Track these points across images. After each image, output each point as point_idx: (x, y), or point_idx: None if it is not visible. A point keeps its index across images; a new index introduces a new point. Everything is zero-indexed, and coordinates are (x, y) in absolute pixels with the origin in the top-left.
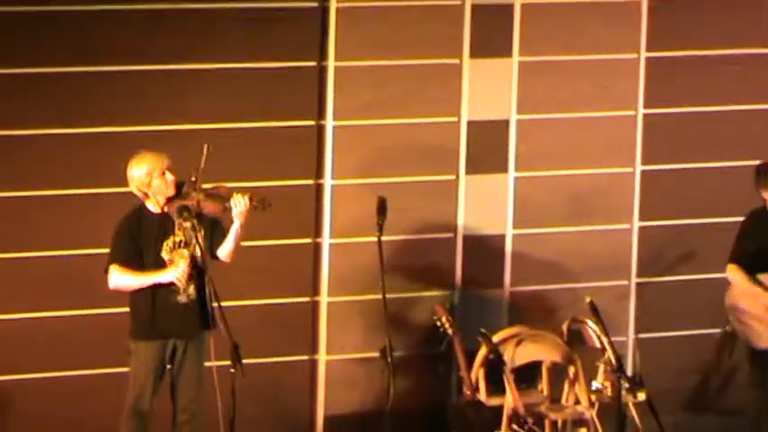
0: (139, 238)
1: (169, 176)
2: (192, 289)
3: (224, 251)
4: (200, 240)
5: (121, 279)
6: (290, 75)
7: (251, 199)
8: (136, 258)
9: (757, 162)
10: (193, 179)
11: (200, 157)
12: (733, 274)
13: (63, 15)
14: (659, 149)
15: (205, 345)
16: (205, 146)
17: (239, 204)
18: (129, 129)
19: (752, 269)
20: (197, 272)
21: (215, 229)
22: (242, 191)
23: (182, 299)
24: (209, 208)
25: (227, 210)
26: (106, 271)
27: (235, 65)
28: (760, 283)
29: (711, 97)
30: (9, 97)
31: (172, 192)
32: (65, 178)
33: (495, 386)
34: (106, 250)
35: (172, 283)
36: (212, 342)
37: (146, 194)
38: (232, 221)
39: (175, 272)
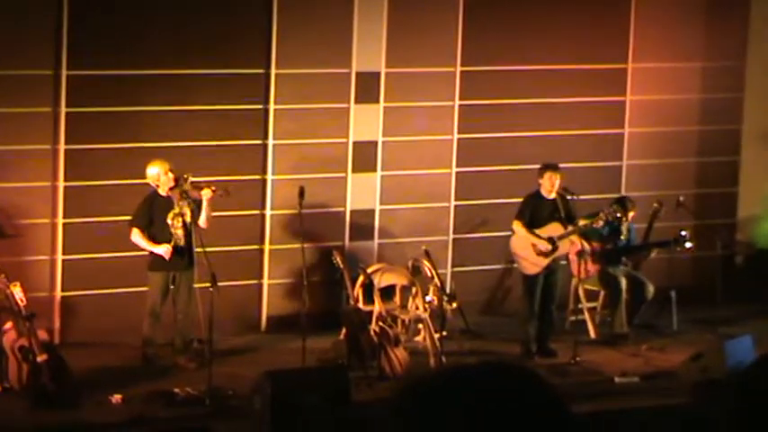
0: (153, 210)
1: (170, 175)
2: (183, 242)
3: (201, 220)
4: (190, 212)
5: (136, 239)
6: (241, 116)
7: (214, 191)
8: (148, 226)
9: (539, 165)
10: (185, 177)
11: (192, 168)
12: (516, 226)
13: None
14: (468, 157)
15: (193, 274)
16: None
17: (207, 193)
18: (147, 145)
19: (526, 226)
20: (186, 231)
21: (197, 207)
22: (210, 184)
23: (178, 247)
24: (194, 194)
25: (203, 195)
26: (129, 229)
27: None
28: (532, 232)
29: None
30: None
31: (173, 184)
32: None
33: (368, 299)
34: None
35: (173, 236)
36: (196, 271)
37: (157, 185)
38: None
39: (164, 250)
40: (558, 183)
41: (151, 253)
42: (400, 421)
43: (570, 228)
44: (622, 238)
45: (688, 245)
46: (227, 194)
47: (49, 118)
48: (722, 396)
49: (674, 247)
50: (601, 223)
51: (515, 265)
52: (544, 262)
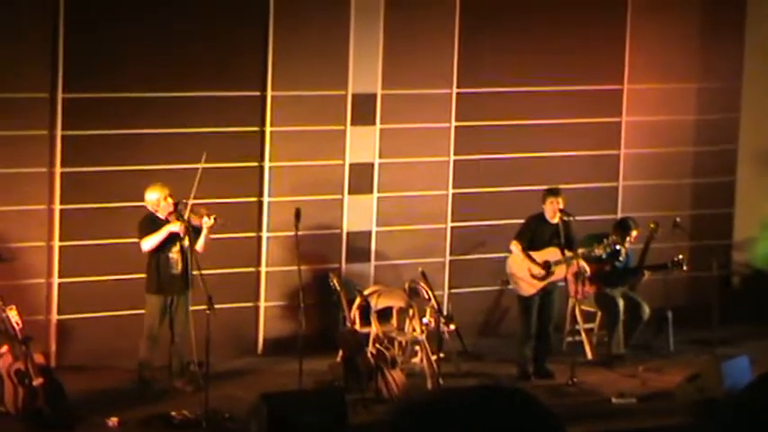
0: (152, 231)
1: (170, 200)
2: (180, 266)
3: (199, 245)
4: (188, 237)
5: (148, 241)
6: (238, 138)
7: (216, 219)
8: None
9: (542, 187)
10: (185, 202)
11: (190, 191)
12: (514, 246)
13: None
14: (464, 179)
15: (189, 297)
16: (198, 173)
17: (207, 221)
18: (143, 168)
19: (525, 248)
20: (183, 255)
21: (194, 231)
22: (211, 212)
23: (174, 271)
24: (194, 221)
25: (204, 224)
26: (139, 241)
27: (198, 130)
28: (528, 255)
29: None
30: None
31: (171, 208)
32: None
33: (365, 321)
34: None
35: (170, 259)
36: (190, 295)
37: (156, 210)
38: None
39: (177, 227)
40: (558, 207)
41: (148, 275)
42: None
43: (568, 254)
44: (621, 259)
45: (684, 268)
46: (226, 225)
47: (45, 141)
48: (719, 416)
49: (670, 270)
50: (600, 252)
51: (511, 286)
52: (540, 284)
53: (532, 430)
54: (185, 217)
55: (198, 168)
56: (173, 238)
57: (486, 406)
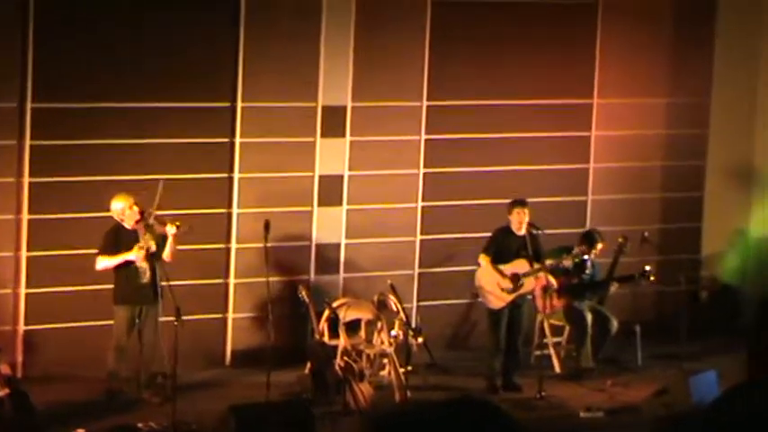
0: (118, 242)
1: (135, 209)
2: (148, 276)
3: (165, 254)
4: (155, 246)
5: (104, 263)
6: (207, 149)
7: (179, 227)
8: (113, 255)
9: (509, 200)
10: (150, 211)
11: (154, 199)
12: (482, 259)
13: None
14: (433, 192)
15: (158, 308)
16: (159, 188)
17: (171, 229)
18: (112, 178)
19: (493, 260)
20: (150, 265)
21: (162, 241)
22: (175, 220)
23: (142, 281)
24: (159, 229)
25: (167, 231)
26: (96, 257)
27: (168, 140)
28: (496, 268)
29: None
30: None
31: (138, 218)
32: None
33: (334, 333)
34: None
35: (138, 270)
36: (161, 305)
37: (122, 219)
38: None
39: (135, 254)
40: (526, 218)
41: (116, 285)
42: None
43: (536, 266)
44: (587, 272)
45: (651, 279)
46: (191, 231)
47: (14, 151)
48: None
49: (637, 281)
50: (568, 263)
51: (480, 300)
52: (509, 297)
53: None
54: (151, 225)
55: (158, 185)
56: (135, 242)
57: (456, 418)
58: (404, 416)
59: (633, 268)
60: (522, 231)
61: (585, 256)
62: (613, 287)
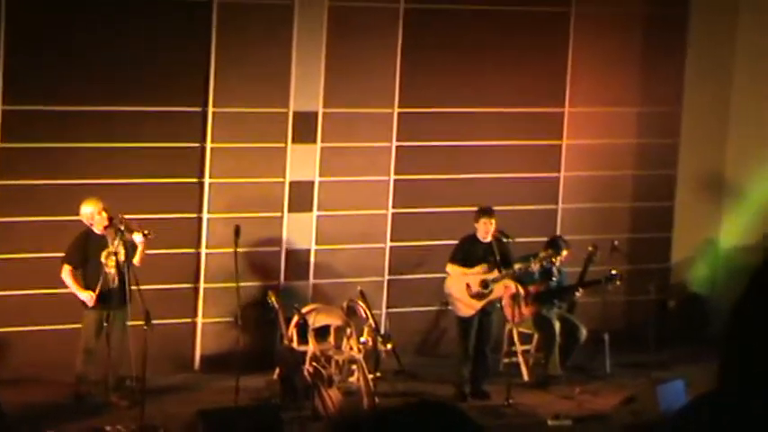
0: (87, 247)
1: (104, 214)
2: (117, 280)
3: (135, 260)
4: (124, 251)
5: (66, 278)
6: (178, 154)
7: (146, 234)
8: (81, 263)
9: (475, 207)
10: (120, 217)
11: (129, 205)
12: (450, 268)
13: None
14: (404, 199)
15: (127, 312)
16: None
17: (138, 237)
18: (81, 182)
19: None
20: (119, 270)
21: (131, 246)
22: (142, 227)
23: (111, 285)
24: (127, 235)
25: (134, 239)
26: (61, 265)
27: (138, 144)
28: (464, 272)
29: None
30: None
31: (107, 223)
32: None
33: (303, 338)
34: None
35: (106, 276)
36: (130, 309)
37: (91, 224)
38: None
39: (87, 297)
40: (492, 228)
41: (85, 288)
42: None
43: (504, 271)
44: (554, 279)
45: (618, 283)
46: (155, 238)
47: None
48: None
49: (604, 285)
50: (536, 267)
51: (450, 307)
52: (479, 304)
53: None
54: (121, 230)
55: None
56: (104, 247)
57: (420, 423)
58: (372, 420)
59: (602, 276)
60: (489, 239)
61: (552, 260)
62: (579, 293)
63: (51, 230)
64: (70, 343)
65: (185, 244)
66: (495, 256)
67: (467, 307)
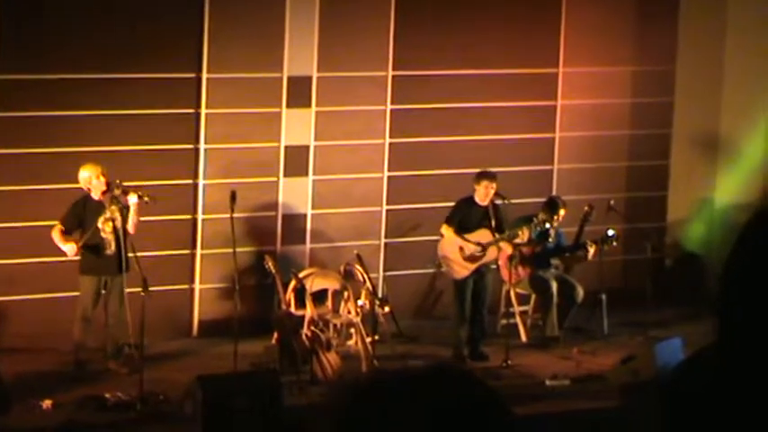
0: (84, 214)
1: (102, 179)
2: (113, 246)
3: (129, 225)
4: (121, 218)
5: (54, 235)
6: (173, 120)
7: (140, 196)
8: (75, 228)
9: (478, 170)
10: (117, 182)
11: (124, 172)
12: (444, 230)
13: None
14: (400, 162)
15: (123, 279)
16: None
17: (133, 198)
18: (77, 150)
19: (455, 231)
20: (116, 236)
21: (127, 212)
22: (138, 189)
23: (108, 252)
24: (123, 200)
25: (129, 200)
26: (56, 222)
27: (133, 111)
28: (462, 237)
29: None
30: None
31: (104, 188)
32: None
33: (300, 303)
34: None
35: (102, 242)
36: (125, 277)
37: (89, 189)
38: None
39: (68, 248)
40: (492, 192)
41: (81, 256)
42: (333, 425)
43: (498, 236)
44: (550, 240)
45: (614, 244)
46: (153, 201)
47: None
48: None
49: (600, 245)
50: (525, 236)
51: (444, 270)
52: (472, 266)
53: (478, 409)
54: (117, 197)
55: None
56: (101, 213)
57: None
58: (371, 384)
59: (599, 236)
60: (486, 203)
61: (547, 225)
62: (590, 253)
63: (46, 199)
64: (67, 311)
65: (181, 210)
66: (491, 221)
67: (461, 268)
